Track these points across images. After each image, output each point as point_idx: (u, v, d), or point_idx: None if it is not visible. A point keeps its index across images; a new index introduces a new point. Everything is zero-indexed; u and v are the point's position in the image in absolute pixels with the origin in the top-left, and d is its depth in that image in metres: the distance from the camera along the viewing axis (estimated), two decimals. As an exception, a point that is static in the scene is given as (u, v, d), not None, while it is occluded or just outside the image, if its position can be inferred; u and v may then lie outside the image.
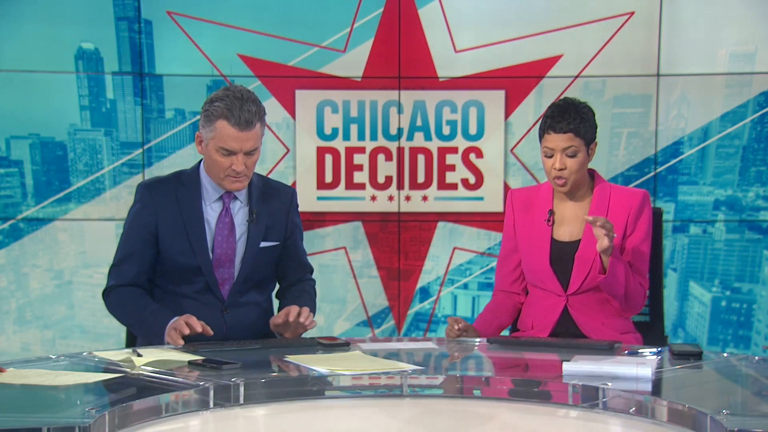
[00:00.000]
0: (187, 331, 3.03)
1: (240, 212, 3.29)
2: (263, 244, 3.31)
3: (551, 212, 3.41)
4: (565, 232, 3.40)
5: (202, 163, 3.28)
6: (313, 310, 3.40)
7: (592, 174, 3.44)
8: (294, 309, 3.18)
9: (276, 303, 3.48)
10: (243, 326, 3.27)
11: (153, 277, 3.31)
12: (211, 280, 3.26)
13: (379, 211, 5.36)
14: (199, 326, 3.04)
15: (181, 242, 3.23)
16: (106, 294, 3.29)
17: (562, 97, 3.45)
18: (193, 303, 3.24)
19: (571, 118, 3.31)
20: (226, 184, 3.20)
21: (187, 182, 3.28)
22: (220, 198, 3.26)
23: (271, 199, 3.35)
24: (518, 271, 3.50)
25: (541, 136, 3.37)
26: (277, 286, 3.49)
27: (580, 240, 3.37)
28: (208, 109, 3.15)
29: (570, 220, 3.41)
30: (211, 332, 3.09)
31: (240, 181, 3.19)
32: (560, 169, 3.32)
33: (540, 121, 3.39)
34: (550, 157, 3.34)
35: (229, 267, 3.28)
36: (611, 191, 3.40)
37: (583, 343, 3.10)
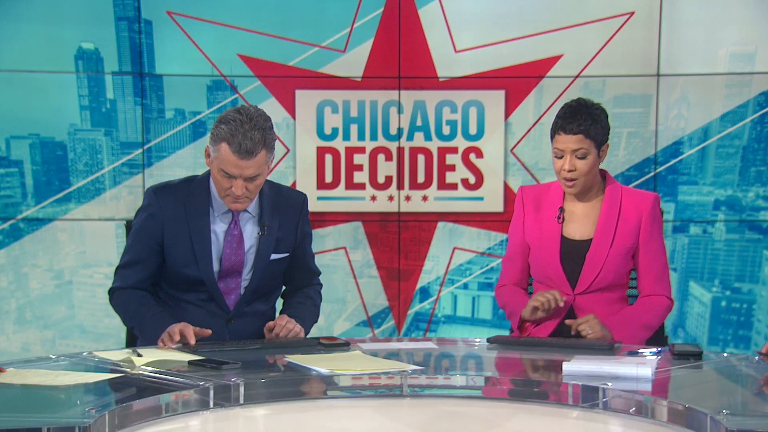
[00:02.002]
0: (177, 338, 3.02)
1: (249, 223, 3.27)
2: (273, 257, 3.29)
3: (561, 209, 3.40)
4: (575, 231, 3.40)
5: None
6: (314, 317, 3.41)
7: (603, 174, 3.44)
8: (282, 319, 3.19)
9: (279, 308, 3.48)
10: (246, 336, 3.26)
11: (159, 282, 3.31)
12: (214, 292, 3.25)
13: (379, 211, 5.36)
14: (192, 339, 3.01)
15: (185, 254, 3.22)
16: (111, 294, 3.29)
17: (575, 98, 3.42)
18: (197, 311, 3.23)
19: (582, 119, 3.30)
20: (226, 203, 3.18)
21: (196, 191, 3.25)
22: (229, 209, 3.24)
23: (283, 210, 3.32)
24: (525, 268, 3.51)
25: (552, 137, 3.36)
26: (283, 288, 3.48)
27: (591, 239, 3.37)
28: (216, 131, 3.10)
29: (580, 219, 3.40)
30: (209, 332, 3.09)
31: (240, 203, 3.15)
32: (570, 171, 3.31)
33: (552, 121, 3.38)
34: (560, 158, 3.33)
35: (236, 278, 3.27)
36: (623, 193, 3.40)
37: (583, 343, 3.10)
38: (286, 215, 3.32)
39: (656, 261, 3.36)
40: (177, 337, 3.01)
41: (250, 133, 3.04)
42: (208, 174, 3.26)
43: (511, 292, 3.50)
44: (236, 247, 3.24)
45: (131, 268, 3.25)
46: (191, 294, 3.26)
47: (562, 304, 3.27)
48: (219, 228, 3.24)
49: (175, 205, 3.23)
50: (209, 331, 3.09)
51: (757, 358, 2.83)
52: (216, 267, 3.24)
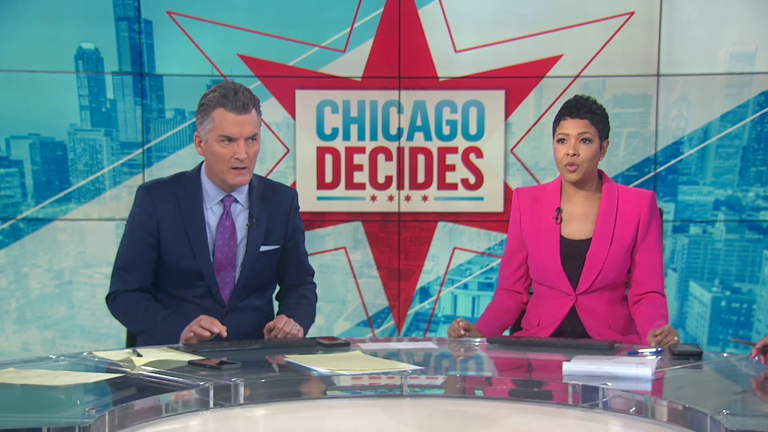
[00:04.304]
0: (216, 329, 3.02)
1: (241, 215, 3.27)
2: (263, 248, 3.29)
3: (559, 210, 3.40)
4: (574, 231, 3.40)
5: (203, 165, 3.28)
6: (311, 317, 3.40)
7: (600, 174, 3.44)
8: (281, 320, 3.18)
9: (276, 305, 3.48)
10: (243, 331, 3.24)
11: (154, 281, 3.30)
12: (212, 284, 3.25)
13: (379, 211, 5.36)
14: (216, 328, 3.03)
15: (182, 246, 3.22)
16: (111, 298, 3.27)
17: (577, 94, 3.46)
18: (194, 308, 3.22)
19: (588, 108, 3.36)
20: (230, 178, 3.18)
21: (188, 185, 3.26)
22: (221, 201, 3.25)
23: (272, 202, 3.33)
24: (522, 270, 3.50)
25: (556, 125, 3.38)
26: (278, 288, 3.48)
27: (590, 239, 3.37)
28: (203, 103, 3.17)
29: (578, 218, 3.40)
30: (224, 331, 3.08)
31: (243, 175, 3.17)
32: (573, 155, 3.31)
33: (556, 114, 3.40)
34: (564, 143, 3.34)
35: (230, 271, 3.27)
36: (619, 192, 3.40)
37: (583, 343, 3.10)
38: (276, 208, 3.33)
39: (651, 256, 3.36)
40: (215, 328, 3.02)
41: (239, 92, 3.14)
42: (198, 167, 3.28)
43: (491, 309, 3.52)
44: (228, 238, 3.24)
45: (130, 269, 3.24)
46: (187, 290, 3.25)
47: (455, 333, 3.28)
48: (212, 220, 3.25)
49: (167, 200, 3.24)
50: (225, 332, 3.08)
51: (752, 355, 2.83)
52: (210, 259, 3.24)
